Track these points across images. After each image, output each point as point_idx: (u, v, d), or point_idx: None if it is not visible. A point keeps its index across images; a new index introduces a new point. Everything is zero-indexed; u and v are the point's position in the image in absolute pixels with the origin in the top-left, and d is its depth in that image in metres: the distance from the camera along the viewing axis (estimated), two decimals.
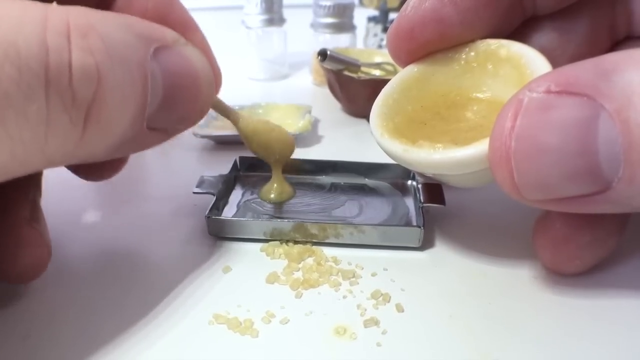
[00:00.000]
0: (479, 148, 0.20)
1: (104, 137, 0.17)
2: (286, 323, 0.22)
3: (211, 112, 0.42)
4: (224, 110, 0.26)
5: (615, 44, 0.26)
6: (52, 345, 0.20)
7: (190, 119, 0.21)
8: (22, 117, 0.15)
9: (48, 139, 0.16)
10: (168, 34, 0.19)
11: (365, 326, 0.22)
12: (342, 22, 0.55)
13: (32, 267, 0.22)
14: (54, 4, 0.16)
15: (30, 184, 0.23)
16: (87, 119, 0.16)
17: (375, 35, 0.65)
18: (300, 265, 0.25)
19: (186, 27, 0.22)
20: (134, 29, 0.18)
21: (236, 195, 0.31)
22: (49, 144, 0.16)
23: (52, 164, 0.17)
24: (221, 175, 0.30)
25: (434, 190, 0.29)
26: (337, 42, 0.55)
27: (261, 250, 0.26)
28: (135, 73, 0.17)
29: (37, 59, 0.15)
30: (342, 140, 0.41)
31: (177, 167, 0.37)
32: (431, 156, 0.21)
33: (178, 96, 0.19)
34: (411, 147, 0.22)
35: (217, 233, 0.27)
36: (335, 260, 0.26)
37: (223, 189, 0.30)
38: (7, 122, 0.14)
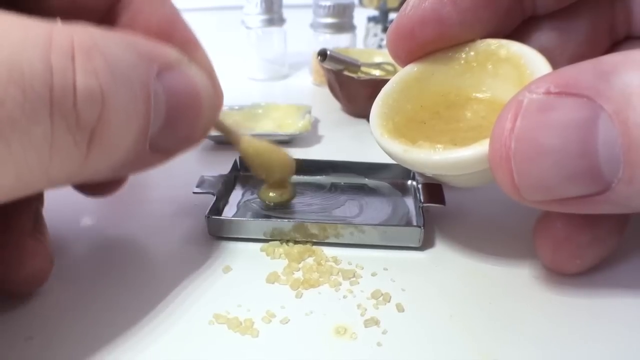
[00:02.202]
0: (479, 149, 0.20)
1: (108, 158, 0.17)
2: (286, 323, 0.22)
3: None
4: (226, 131, 0.26)
5: (615, 44, 0.26)
6: (55, 345, 0.20)
7: (192, 140, 0.21)
8: (26, 139, 0.14)
9: (52, 160, 0.15)
10: (172, 53, 0.19)
11: (366, 326, 0.22)
12: (342, 22, 0.55)
13: (34, 277, 0.22)
14: (58, 22, 0.16)
15: (32, 195, 0.23)
16: (91, 140, 0.16)
17: (375, 35, 0.65)
18: (300, 265, 0.25)
19: (189, 45, 0.22)
20: (138, 48, 0.18)
21: (236, 195, 0.31)
22: (53, 166, 0.16)
23: (56, 184, 0.17)
24: (221, 175, 0.30)
25: (434, 190, 0.29)
26: (337, 42, 0.55)
27: (261, 250, 0.26)
28: (138, 93, 0.17)
29: (42, 80, 0.14)
30: (342, 140, 0.41)
31: (177, 167, 0.36)
32: (431, 157, 0.21)
33: (181, 117, 0.19)
34: (411, 147, 0.22)
35: (217, 233, 0.27)
36: (336, 260, 0.26)
37: (223, 189, 0.30)
38: (12, 144, 0.14)
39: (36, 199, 0.23)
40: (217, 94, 0.22)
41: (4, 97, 0.14)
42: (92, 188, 0.26)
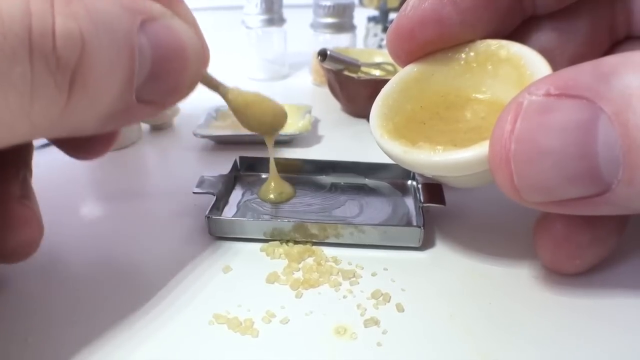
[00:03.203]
0: (479, 150, 0.20)
1: (91, 105, 0.17)
2: (286, 323, 0.22)
3: (211, 112, 0.42)
4: (213, 84, 0.25)
5: (615, 44, 0.26)
6: (54, 345, 0.20)
7: (179, 91, 0.21)
8: (6, 81, 0.15)
9: (34, 103, 0.16)
10: (155, 7, 0.19)
11: (366, 326, 0.22)
12: (342, 22, 0.55)
13: (23, 245, 0.21)
14: None
15: (20, 163, 0.23)
16: (73, 83, 0.16)
17: (375, 35, 0.65)
18: (300, 265, 0.25)
19: (171, 0, 0.21)
20: (120, 1, 0.18)
21: (236, 195, 0.31)
22: (35, 109, 0.16)
23: (40, 131, 0.17)
24: (221, 175, 0.30)
25: (434, 190, 0.29)
26: (337, 42, 0.55)
27: (261, 250, 0.26)
28: (121, 42, 0.17)
29: (21, 23, 0.15)
30: (342, 140, 0.41)
31: (177, 167, 0.37)
32: (431, 158, 0.21)
33: (167, 68, 0.19)
34: (411, 148, 0.22)
35: (217, 233, 0.27)
36: (336, 260, 0.26)
37: (223, 189, 0.30)
38: None
39: (23, 166, 0.23)
40: (202, 47, 0.21)
41: None
42: (78, 147, 0.24)
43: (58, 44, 0.15)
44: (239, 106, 0.26)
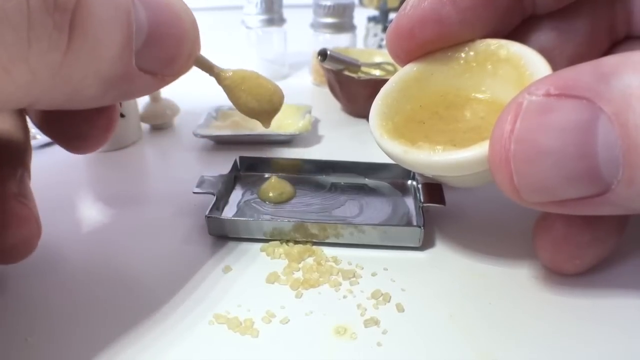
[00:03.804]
0: (479, 150, 0.20)
1: (92, 58, 0.17)
2: (286, 323, 0.22)
3: (211, 112, 0.42)
4: (207, 65, 0.24)
5: (615, 44, 0.26)
6: (54, 345, 0.20)
7: (177, 62, 0.20)
8: (1, 14, 0.14)
9: (32, 43, 0.15)
10: None
11: (366, 326, 0.22)
12: (342, 22, 0.55)
13: (21, 244, 0.21)
14: None
15: (17, 162, 0.23)
16: (73, 27, 0.16)
17: (375, 35, 0.65)
18: (300, 265, 0.25)
19: None
20: None
21: (236, 195, 0.31)
22: (33, 50, 0.15)
23: (40, 84, 0.16)
24: (221, 175, 0.30)
25: (434, 190, 0.29)
26: (337, 42, 0.55)
27: (261, 250, 0.26)
28: (119, 1, 0.17)
29: None
30: (342, 140, 0.41)
31: (177, 167, 0.37)
32: (430, 158, 0.21)
33: (164, 34, 0.19)
34: (411, 148, 0.22)
35: (217, 233, 0.27)
36: (336, 260, 0.26)
37: (223, 189, 0.30)
38: None
39: (20, 166, 0.23)
40: (195, 22, 0.21)
41: None
42: (76, 136, 0.24)
43: None
44: (235, 82, 0.25)
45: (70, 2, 0.15)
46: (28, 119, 0.24)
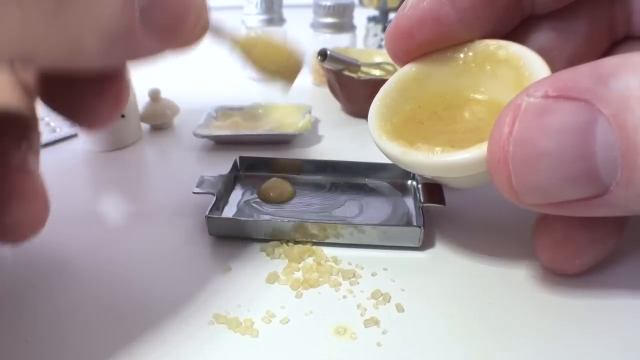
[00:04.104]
0: (477, 152, 0.20)
1: (90, 8, 0.15)
2: (286, 323, 0.22)
3: (211, 112, 0.42)
4: (220, 31, 0.22)
5: (614, 44, 0.26)
6: (54, 346, 0.20)
7: (184, 28, 0.18)
8: None
9: None
10: None
11: (365, 326, 0.22)
12: (342, 22, 0.55)
13: (25, 221, 0.19)
14: None
15: (20, 134, 0.21)
16: None
17: (375, 35, 0.65)
18: (300, 265, 0.25)
19: None
20: None
21: (236, 195, 0.31)
22: None
23: (32, 29, 0.14)
24: (221, 175, 0.30)
25: (434, 190, 0.29)
26: (337, 42, 0.55)
27: (261, 250, 0.26)
28: None
29: None
30: (342, 140, 0.41)
31: (177, 167, 0.37)
32: (429, 159, 0.21)
33: None
34: (409, 149, 0.22)
35: (217, 233, 0.27)
36: (335, 260, 0.26)
37: (223, 189, 0.30)
38: None
39: (24, 139, 0.21)
40: None
41: None
42: (83, 109, 0.22)
43: None
44: (250, 42, 0.23)
45: None
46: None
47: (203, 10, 0.19)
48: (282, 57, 0.24)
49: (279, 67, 0.24)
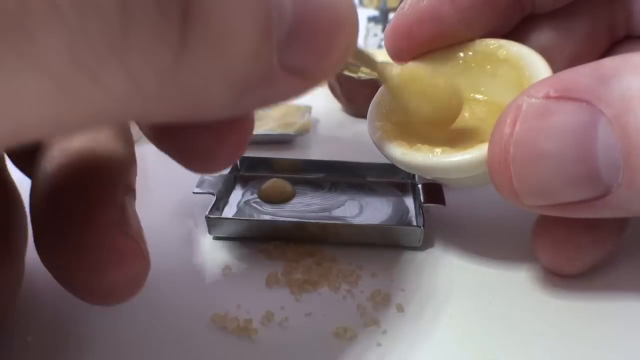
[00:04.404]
0: (478, 153, 0.20)
1: (219, 59, 0.12)
2: (286, 323, 0.22)
3: None
4: (366, 59, 0.19)
5: (615, 44, 0.26)
6: (54, 346, 0.20)
7: (332, 55, 0.15)
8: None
9: (127, 34, 0.10)
10: None
11: (365, 326, 0.22)
12: None
13: (125, 283, 0.17)
14: None
15: (117, 182, 0.19)
16: (187, 11, 0.11)
17: (375, 35, 0.66)
18: (299, 266, 0.25)
19: None
20: None
21: (236, 195, 0.31)
22: (130, 43, 0.10)
23: (143, 92, 0.11)
24: (221, 175, 0.30)
25: (434, 190, 0.29)
26: None
27: (261, 251, 0.26)
28: None
29: None
30: (342, 140, 0.41)
31: (177, 167, 0.36)
32: (429, 160, 0.21)
33: (314, 20, 0.14)
34: (409, 150, 0.22)
35: (217, 233, 0.27)
36: (335, 261, 0.26)
37: (223, 189, 0.30)
38: (63, 6, 0.09)
39: (122, 190, 0.19)
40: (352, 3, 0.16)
41: None
42: (200, 152, 0.19)
43: None
44: (404, 82, 0.20)
45: None
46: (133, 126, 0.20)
47: (354, 30, 0.16)
48: (441, 96, 0.21)
49: (436, 109, 0.21)
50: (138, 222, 0.19)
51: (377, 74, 0.20)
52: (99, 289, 0.17)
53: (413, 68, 0.20)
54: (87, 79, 0.10)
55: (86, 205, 0.18)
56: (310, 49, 0.15)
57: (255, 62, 0.13)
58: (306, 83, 0.15)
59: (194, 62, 0.12)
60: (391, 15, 0.66)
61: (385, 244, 0.26)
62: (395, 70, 0.20)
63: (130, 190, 0.20)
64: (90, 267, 0.17)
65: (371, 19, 0.67)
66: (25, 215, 0.20)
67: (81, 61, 0.10)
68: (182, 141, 0.18)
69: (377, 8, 0.70)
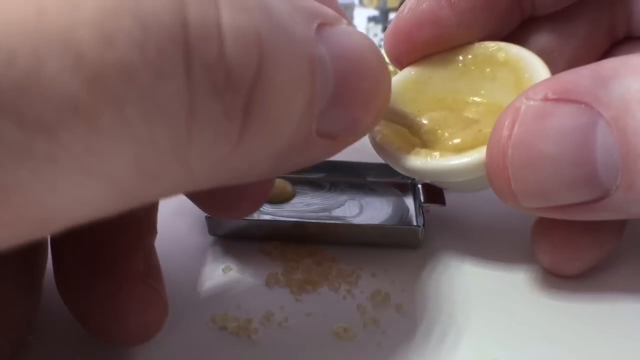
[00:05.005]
0: (476, 156, 0.20)
1: (268, 141, 0.12)
2: (286, 323, 0.22)
3: None
4: (399, 114, 0.20)
5: (614, 45, 0.26)
6: (54, 346, 0.21)
7: (365, 121, 0.16)
8: (151, 104, 0.10)
9: (193, 139, 0.10)
10: (328, 10, 0.14)
11: (365, 326, 0.22)
12: None
13: (144, 330, 0.18)
14: None
15: (144, 228, 0.20)
16: (248, 109, 0.11)
17: (375, 35, 0.66)
18: (299, 266, 0.25)
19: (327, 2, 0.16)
20: None
21: None
22: (194, 148, 0.11)
23: (194, 181, 0.12)
24: None
25: (434, 190, 0.29)
26: None
27: (261, 250, 0.26)
28: (300, 50, 0.13)
29: (170, 12, 0.10)
30: None
31: None
32: (428, 164, 0.21)
33: (352, 89, 0.15)
34: (407, 154, 0.22)
35: (217, 233, 0.27)
36: (335, 261, 0.26)
37: None
38: (128, 111, 0.09)
39: (149, 234, 0.20)
40: (384, 62, 0.16)
41: (114, 33, 0.09)
42: (224, 206, 0.20)
43: (228, 49, 0.10)
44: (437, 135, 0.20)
45: (247, 77, 0.11)
46: None
47: (387, 95, 0.16)
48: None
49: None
50: (160, 268, 0.20)
51: (408, 126, 0.21)
52: (117, 334, 0.18)
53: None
54: (147, 180, 0.10)
55: (112, 252, 0.18)
56: (348, 116, 0.15)
57: (297, 134, 0.13)
58: (339, 145, 0.16)
59: (248, 149, 0.12)
60: (391, 15, 0.66)
61: (385, 244, 0.26)
62: (425, 120, 0.21)
63: (155, 233, 0.20)
64: (110, 314, 0.17)
65: (371, 19, 0.66)
66: (47, 238, 0.20)
67: (145, 168, 0.10)
68: (208, 194, 0.18)
69: (377, 8, 0.70)
